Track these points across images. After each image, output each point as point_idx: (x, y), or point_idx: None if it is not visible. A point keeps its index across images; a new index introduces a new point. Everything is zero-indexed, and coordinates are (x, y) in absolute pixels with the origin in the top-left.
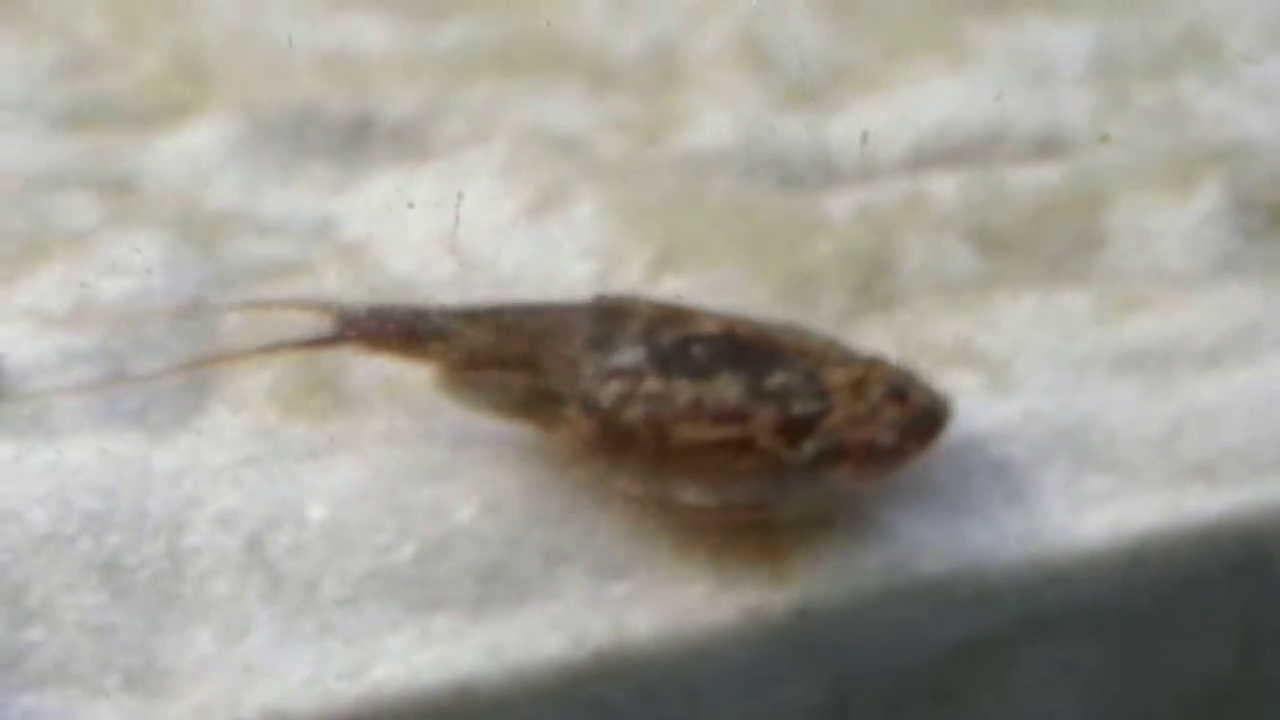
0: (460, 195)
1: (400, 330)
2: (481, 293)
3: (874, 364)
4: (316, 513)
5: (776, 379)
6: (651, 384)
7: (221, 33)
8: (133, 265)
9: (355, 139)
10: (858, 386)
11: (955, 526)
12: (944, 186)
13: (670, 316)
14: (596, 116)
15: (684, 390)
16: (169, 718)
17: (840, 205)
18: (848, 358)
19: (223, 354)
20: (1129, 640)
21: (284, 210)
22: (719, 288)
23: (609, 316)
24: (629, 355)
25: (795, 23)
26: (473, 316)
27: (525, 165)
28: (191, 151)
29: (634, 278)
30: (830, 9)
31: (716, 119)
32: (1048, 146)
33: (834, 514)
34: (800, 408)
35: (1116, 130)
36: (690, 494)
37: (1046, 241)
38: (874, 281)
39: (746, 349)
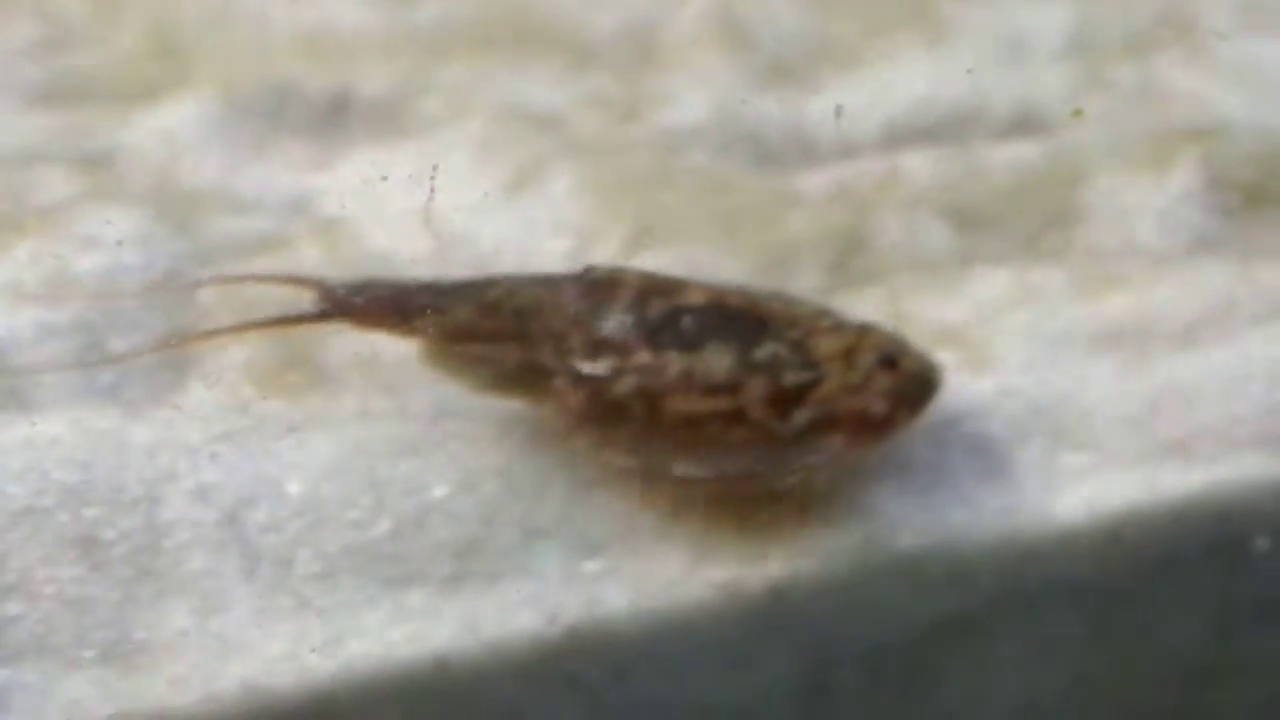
0: (435, 170)
1: (386, 305)
2: (459, 269)
3: (865, 331)
4: (293, 488)
5: (767, 349)
6: (641, 356)
7: (199, 10)
8: (107, 240)
9: (333, 116)
10: (849, 355)
11: (932, 503)
12: (920, 164)
13: (659, 288)
14: (573, 94)
15: (674, 362)
16: (145, 691)
17: (816, 182)
18: (838, 326)
19: (209, 330)
20: (1106, 618)
21: (261, 187)
22: (695, 264)
23: (598, 288)
24: (618, 327)
25: (772, 1)
26: (459, 290)
27: (502, 142)
28: (168, 128)
29: (610, 254)
30: None
31: (693, 97)
32: (1024, 124)
33: (820, 486)
34: (791, 378)
35: (1093, 109)
36: (681, 466)
37: (1022, 219)
38: (849, 258)
39: (736, 319)
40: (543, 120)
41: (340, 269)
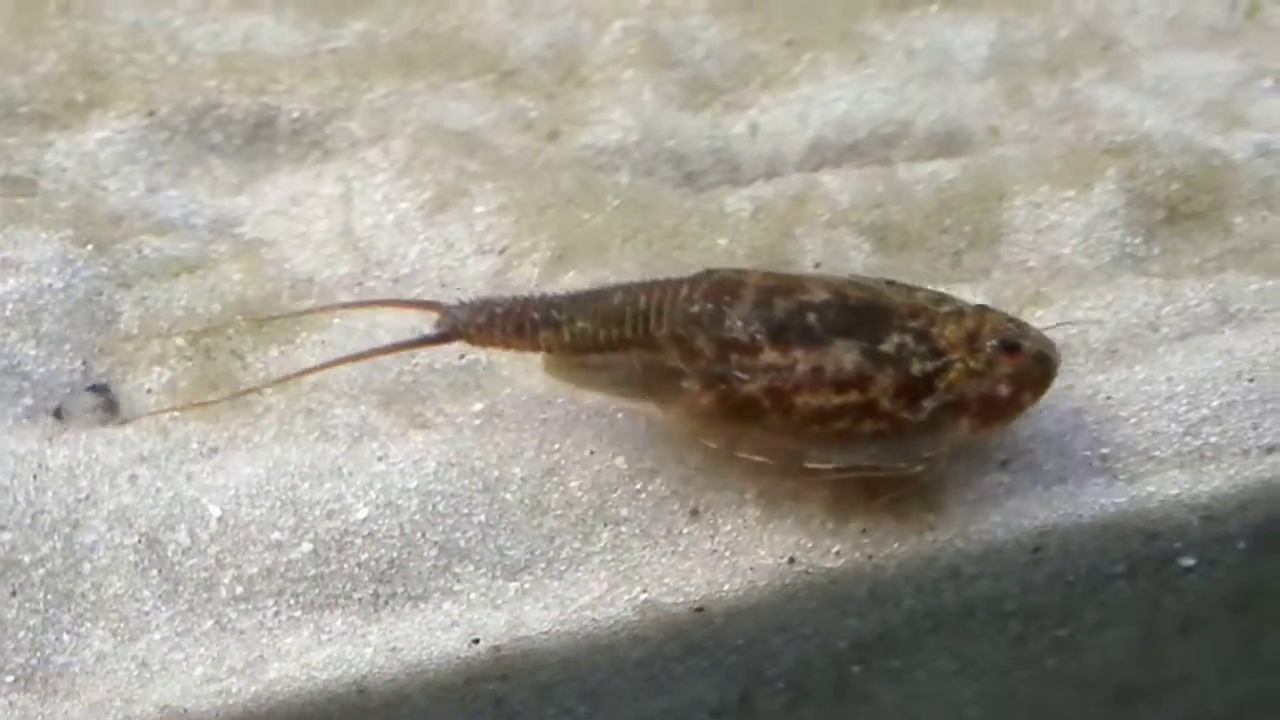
0: (347, 191)
1: (508, 322)
2: (380, 289)
3: (984, 316)
4: (214, 510)
5: (893, 340)
6: (769, 355)
7: (121, 32)
8: (28, 263)
9: (256, 137)
10: (972, 340)
11: (852, 523)
12: (843, 182)
13: (781, 286)
14: (497, 114)
15: (802, 359)
16: (64, 716)
17: (739, 202)
18: (959, 311)
19: (336, 359)
20: (1030, 636)
21: (183, 209)
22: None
23: (720, 290)
24: (744, 327)
25: (697, 21)
26: (577, 302)
27: (425, 163)
28: (90, 150)
29: (532, 274)
30: (732, 6)
31: (617, 116)
32: (947, 142)
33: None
34: (919, 367)
35: (1015, 126)
36: (815, 460)
37: (945, 237)
38: None
39: (859, 312)
40: (466, 140)
41: (262, 290)
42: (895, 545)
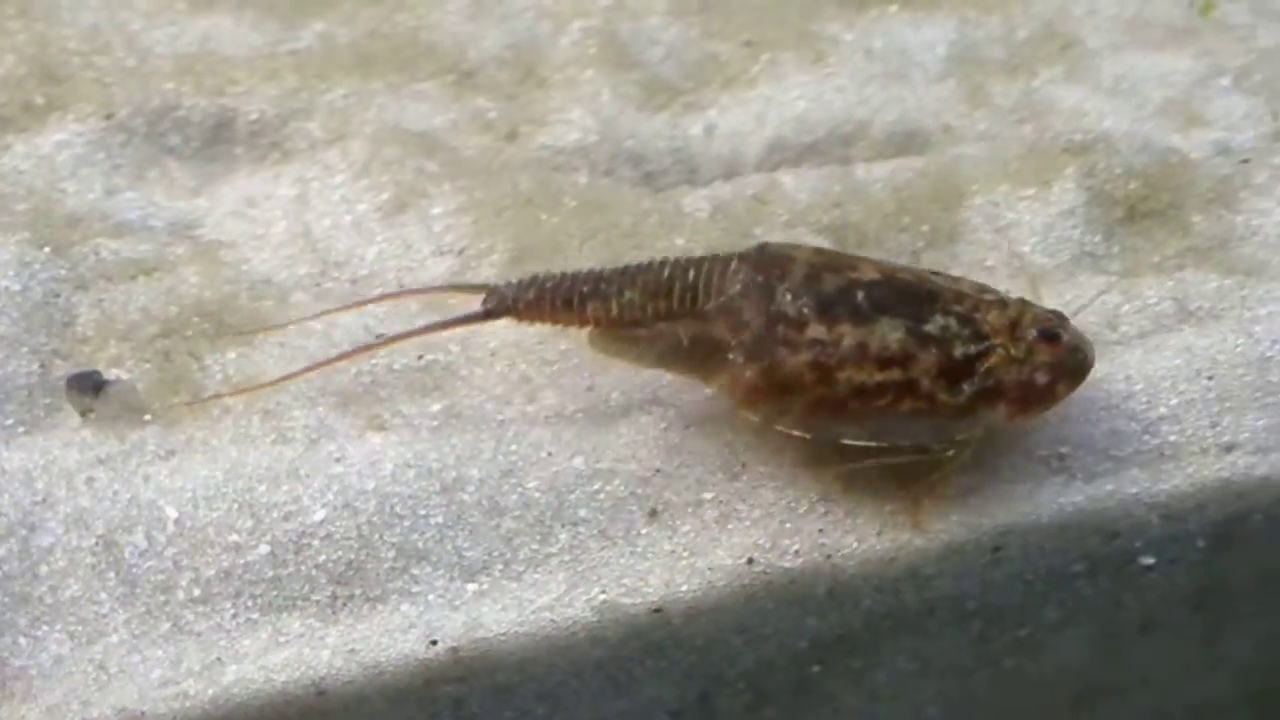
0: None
1: (555, 297)
2: (338, 290)
3: (1025, 305)
4: (171, 512)
5: (937, 322)
6: (815, 329)
7: (78, 33)
8: None
9: (214, 139)
10: (1014, 327)
11: (810, 523)
12: (801, 182)
13: (831, 263)
14: (455, 115)
15: (848, 335)
16: (21, 719)
17: (697, 201)
18: (1001, 300)
19: (387, 338)
20: (990, 636)
21: (142, 211)
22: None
23: (772, 264)
24: (792, 302)
25: (656, 21)
26: (624, 275)
27: (384, 164)
28: (48, 153)
29: (491, 275)
30: (691, 7)
31: (576, 117)
32: (906, 142)
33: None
34: (961, 350)
35: (975, 126)
36: (853, 436)
37: (903, 236)
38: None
39: (906, 293)
40: (424, 141)
41: (219, 292)
42: (854, 545)
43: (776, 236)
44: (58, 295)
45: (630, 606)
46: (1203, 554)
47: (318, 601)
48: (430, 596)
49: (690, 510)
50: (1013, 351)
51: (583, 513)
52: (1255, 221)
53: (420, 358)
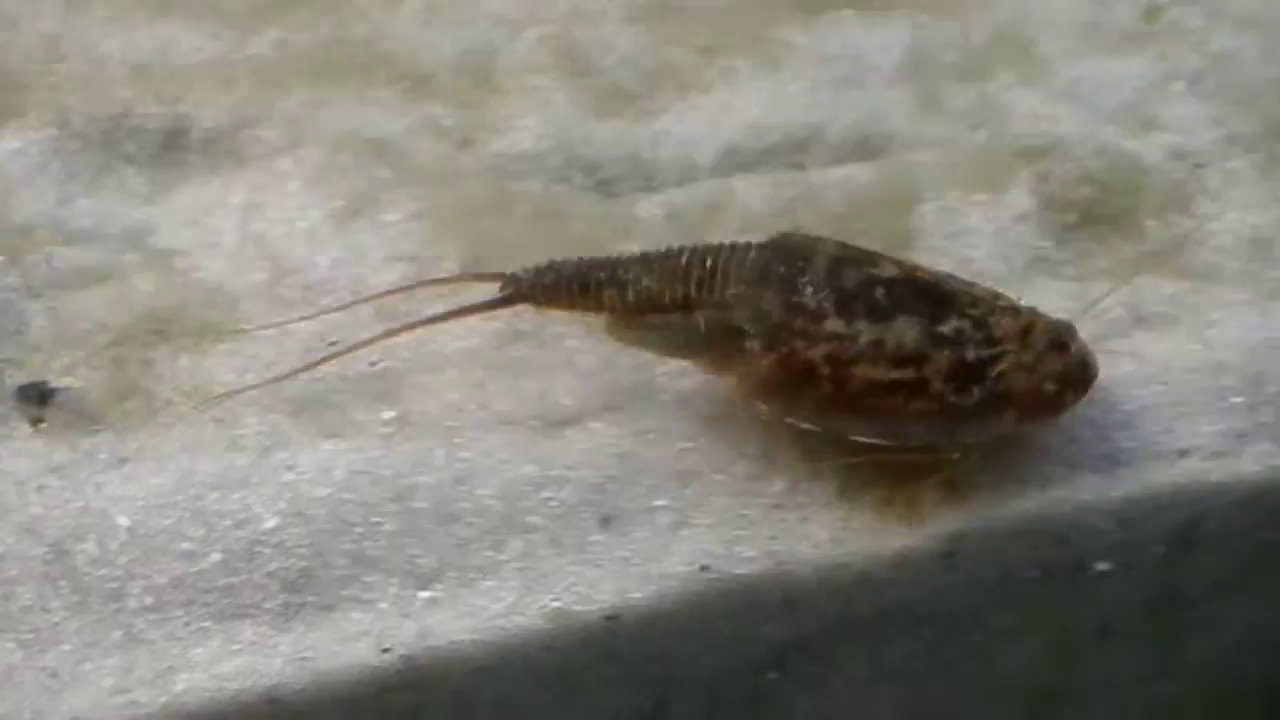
0: (259, 200)
1: (575, 282)
2: (291, 298)
3: (1036, 314)
4: (122, 521)
5: (952, 324)
6: (833, 323)
7: (36, 43)
8: None
9: (170, 147)
10: (1025, 335)
11: (763, 530)
12: (755, 188)
13: (852, 257)
14: (410, 122)
15: (865, 331)
16: None
17: (651, 208)
18: (1013, 307)
19: (403, 325)
20: (945, 642)
21: (95, 219)
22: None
23: (793, 254)
24: (813, 294)
25: (612, 28)
26: (642, 261)
27: (338, 172)
28: (2, 161)
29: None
30: (646, 13)
31: (531, 124)
32: (860, 147)
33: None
34: (973, 353)
35: (931, 131)
36: (863, 432)
37: (857, 241)
38: None
39: (924, 293)
40: (378, 148)
41: (171, 300)
42: (807, 552)
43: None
44: (10, 304)
45: (583, 614)
46: (1159, 560)
47: (270, 609)
48: (383, 604)
49: (643, 517)
50: (1023, 358)
51: (535, 520)
52: (1209, 226)
53: (373, 364)
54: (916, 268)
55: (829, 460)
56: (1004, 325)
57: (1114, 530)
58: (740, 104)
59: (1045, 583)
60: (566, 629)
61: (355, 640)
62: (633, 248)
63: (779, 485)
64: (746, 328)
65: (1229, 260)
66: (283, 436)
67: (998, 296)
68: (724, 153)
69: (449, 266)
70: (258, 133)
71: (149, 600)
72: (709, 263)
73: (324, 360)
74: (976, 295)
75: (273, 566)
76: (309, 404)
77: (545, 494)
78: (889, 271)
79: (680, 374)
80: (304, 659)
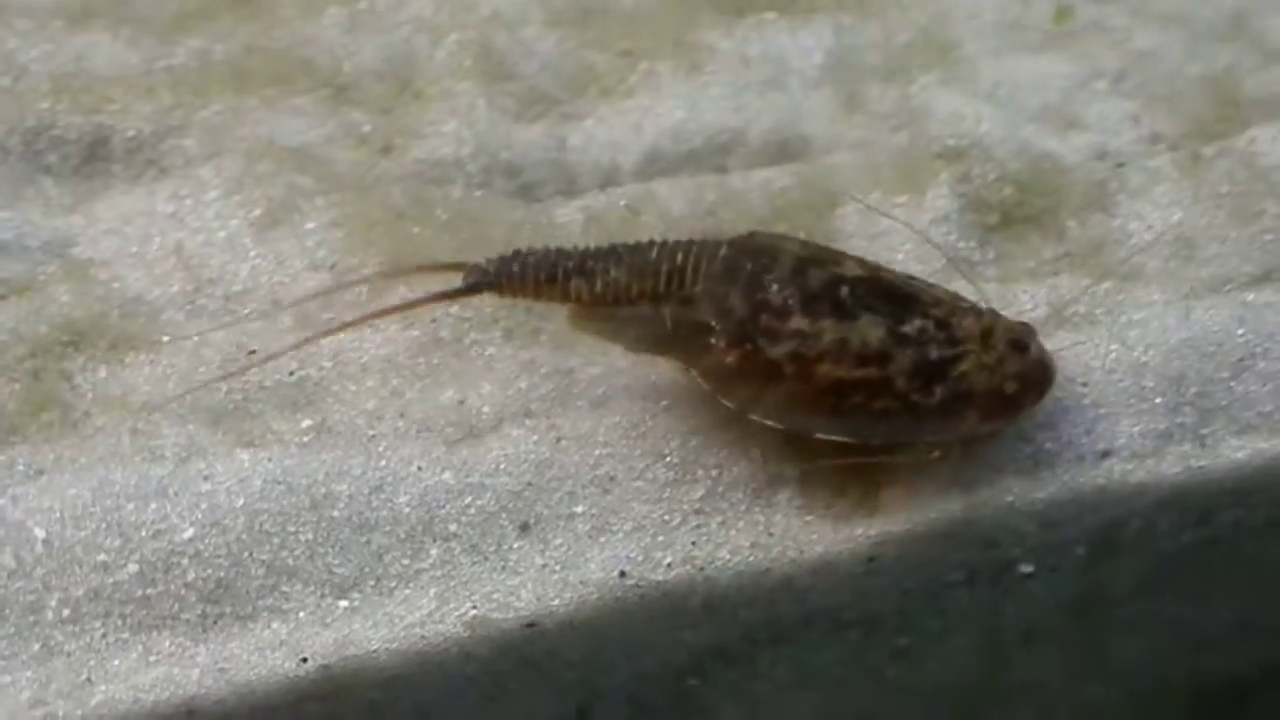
0: (180, 209)
1: (542, 271)
2: (211, 307)
3: (997, 315)
4: (39, 532)
5: (915, 324)
6: (798, 321)
7: None
8: None
9: (91, 157)
10: (986, 336)
11: (682, 536)
12: (676, 191)
13: (817, 257)
14: (331, 129)
15: (829, 330)
16: None
17: (572, 213)
18: (975, 308)
19: (366, 315)
20: (870, 647)
21: (17, 230)
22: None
23: (760, 253)
24: (778, 291)
25: (533, 32)
26: (611, 254)
27: (257, 180)
28: None
29: (363, 290)
30: (567, 17)
31: (452, 129)
32: (782, 150)
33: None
34: (936, 353)
35: (853, 133)
36: (826, 430)
37: None
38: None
39: (888, 292)
40: (299, 156)
41: (90, 311)
42: (727, 557)
43: None
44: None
45: (502, 621)
46: (1083, 561)
47: (187, 620)
48: (301, 614)
49: (562, 524)
50: (984, 358)
51: (453, 527)
52: (1130, 226)
53: (292, 373)
54: (880, 268)
55: (791, 464)
56: (966, 326)
57: (1037, 532)
58: (662, 108)
59: (970, 585)
60: (486, 637)
61: (273, 650)
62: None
63: (699, 491)
64: (712, 323)
65: (1149, 259)
66: (200, 446)
67: (958, 298)
68: (646, 156)
69: (368, 273)
70: (179, 142)
71: (66, 612)
72: (679, 258)
73: (306, 342)
74: (939, 296)
75: (190, 577)
76: (227, 414)
77: (464, 501)
78: (853, 271)
79: (599, 380)
80: (222, 669)
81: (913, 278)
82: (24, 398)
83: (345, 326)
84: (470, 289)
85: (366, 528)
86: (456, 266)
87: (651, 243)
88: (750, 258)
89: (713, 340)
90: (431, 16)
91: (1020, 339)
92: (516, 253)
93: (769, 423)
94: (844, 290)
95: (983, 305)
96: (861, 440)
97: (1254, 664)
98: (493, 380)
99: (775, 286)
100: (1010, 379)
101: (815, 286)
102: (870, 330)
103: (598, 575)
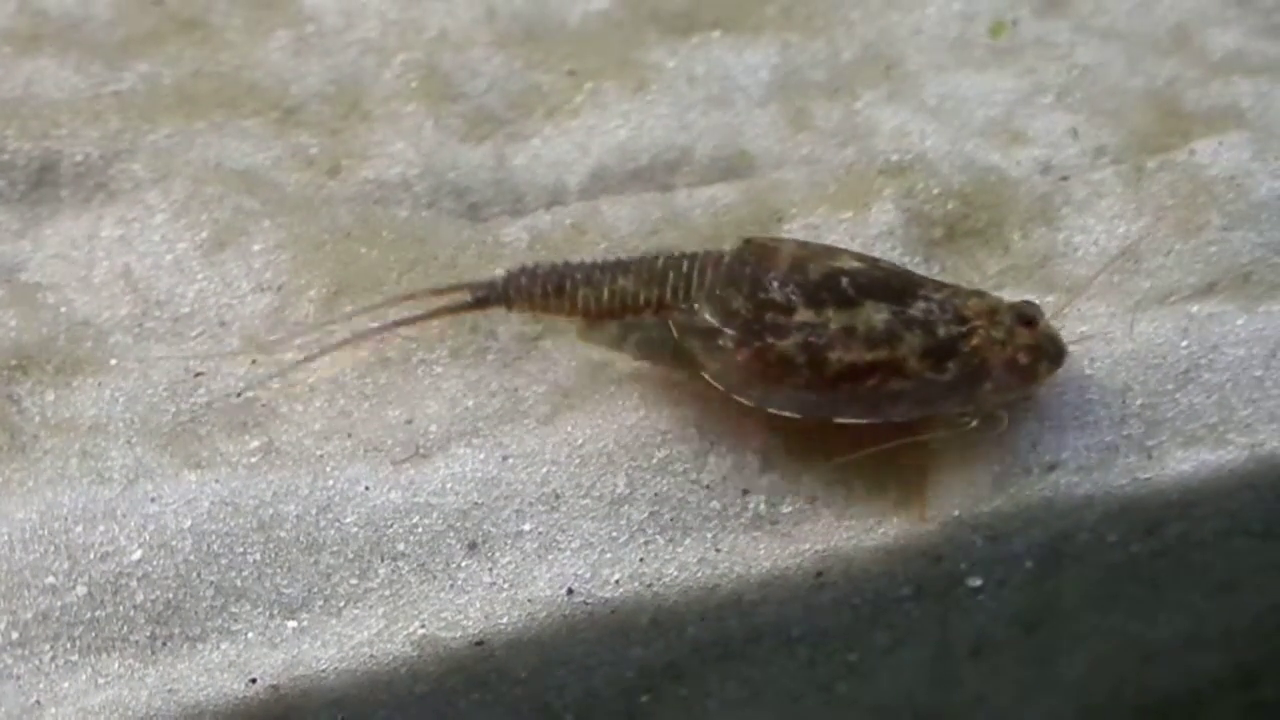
0: (128, 233)
1: (550, 283)
2: (159, 330)
3: (1000, 297)
4: None
5: (919, 306)
6: (804, 314)
7: None
8: None
9: (40, 182)
10: (992, 314)
11: (630, 553)
12: (622, 209)
13: (814, 254)
14: (279, 152)
15: (835, 318)
16: None
17: (517, 232)
18: (978, 291)
19: (392, 321)
20: (818, 660)
21: None
22: (396, 317)
23: (758, 255)
24: (780, 289)
25: (479, 52)
26: (617, 265)
27: (204, 203)
28: None
29: (310, 311)
30: (513, 38)
31: (399, 150)
32: (728, 167)
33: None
34: (944, 331)
35: (799, 150)
36: (846, 414)
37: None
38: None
39: (888, 280)
40: (246, 178)
41: (37, 335)
42: (674, 574)
43: None
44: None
45: (451, 640)
46: (1031, 575)
47: (136, 642)
48: (250, 634)
49: (509, 542)
50: (994, 334)
51: (401, 547)
52: (1075, 239)
53: (240, 395)
54: (878, 260)
55: (827, 459)
56: (971, 305)
57: (985, 546)
58: (608, 126)
59: (918, 600)
60: (434, 656)
61: (222, 671)
62: (499, 271)
63: (646, 508)
64: (719, 328)
65: (1094, 272)
66: (148, 468)
67: (958, 285)
68: (592, 175)
69: (314, 294)
70: (127, 166)
71: (15, 635)
72: (684, 266)
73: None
74: (939, 283)
75: (139, 598)
76: (175, 436)
77: (411, 521)
78: (852, 264)
79: (546, 398)
80: (171, 691)
81: (910, 270)
82: None
83: (342, 344)
84: (479, 303)
85: (314, 548)
86: (464, 286)
87: (658, 254)
88: (748, 260)
89: (721, 343)
90: (379, 38)
91: (1027, 314)
92: (524, 267)
93: (787, 414)
94: (844, 281)
95: (986, 291)
96: (881, 420)
97: (1204, 676)
98: (440, 399)
99: (777, 284)
100: (1022, 351)
101: (816, 280)
102: (875, 315)
103: (546, 593)
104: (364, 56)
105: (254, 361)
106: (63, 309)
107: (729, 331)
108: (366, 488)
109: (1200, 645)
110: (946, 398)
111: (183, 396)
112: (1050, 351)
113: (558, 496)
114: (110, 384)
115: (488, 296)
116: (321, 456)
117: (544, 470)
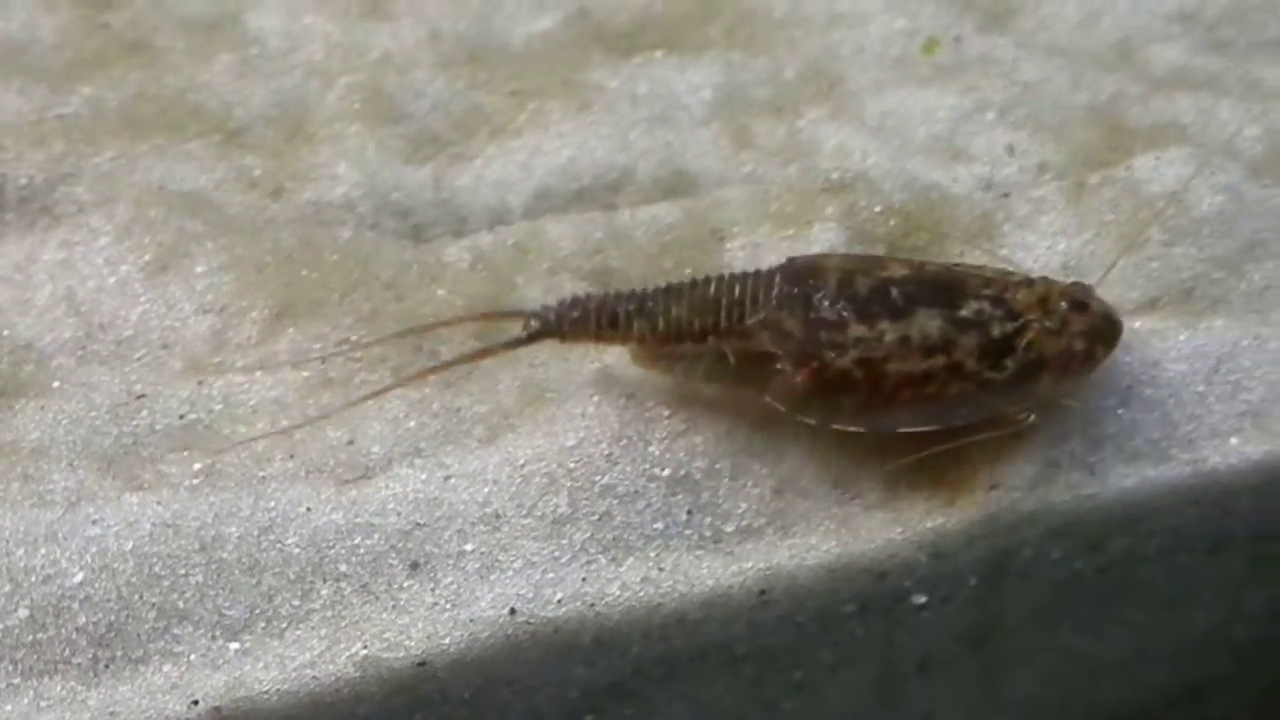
0: (70, 256)
1: (603, 315)
2: (103, 352)
3: (1049, 282)
4: None
5: (971, 307)
6: (857, 329)
7: None
8: None
9: None
10: (1044, 303)
11: (572, 572)
12: (564, 229)
13: (860, 266)
14: (222, 174)
15: (889, 330)
16: None
17: (459, 252)
18: (1026, 280)
19: (433, 366)
20: (764, 678)
21: None
22: (337, 338)
23: (805, 274)
24: (830, 307)
25: (422, 74)
26: (668, 293)
27: (148, 225)
28: None
29: (252, 333)
30: (456, 59)
31: (342, 171)
32: (671, 186)
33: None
34: (998, 329)
35: (742, 168)
36: (910, 423)
37: (663, 279)
38: (492, 326)
39: (936, 284)
40: (189, 201)
41: None
42: (617, 593)
43: (538, 284)
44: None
45: (393, 661)
46: (975, 591)
47: (79, 664)
48: (192, 656)
49: (451, 562)
50: (1048, 324)
51: (343, 568)
52: (1017, 255)
53: (182, 417)
54: (924, 262)
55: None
56: (1021, 298)
57: (928, 563)
58: (551, 146)
59: (862, 617)
60: (377, 677)
61: (165, 693)
62: (440, 293)
63: (588, 528)
64: (774, 350)
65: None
66: (89, 491)
67: (1007, 274)
68: (535, 195)
69: (256, 316)
70: (71, 190)
71: None
72: (736, 291)
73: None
74: (988, 276)
75: (81, 621)
76: (117, 458)
77: (353, 541)
78: (898, 272)
79: (488, 418)
80: (113, 713)
81: (957, 265)
82: None
83: (394, 385)
84: (533, 336)
85: (256, 569)
86: (515, 315)
87: (709, 279)
88: (795, 281)
89: (779, 366)
90: (322, 60)
91: (1079, 298)
92: (575, 299)
93: (851, 429)
94: (894, 291)
95: (1034, 277)
96: (944, 425)
97: (1152, 691)
98: (382, 420)
99: (826, 302)
100: (1078, 337)
101: (865, 294)
102: (928, 322)
103: (488, 613)
104: (308, 79)
105: (199, 383)
106: (5, 332)
107: (785, 354)
108: (309, 509)
109: (1147, 661)
110: (1006, 395)
111: (125, 419)
112: (1106, 334)
113: (499, 516)
114: (53, 407)
115: (540, 330)
116: (264, 478)
117: (486, 490)
